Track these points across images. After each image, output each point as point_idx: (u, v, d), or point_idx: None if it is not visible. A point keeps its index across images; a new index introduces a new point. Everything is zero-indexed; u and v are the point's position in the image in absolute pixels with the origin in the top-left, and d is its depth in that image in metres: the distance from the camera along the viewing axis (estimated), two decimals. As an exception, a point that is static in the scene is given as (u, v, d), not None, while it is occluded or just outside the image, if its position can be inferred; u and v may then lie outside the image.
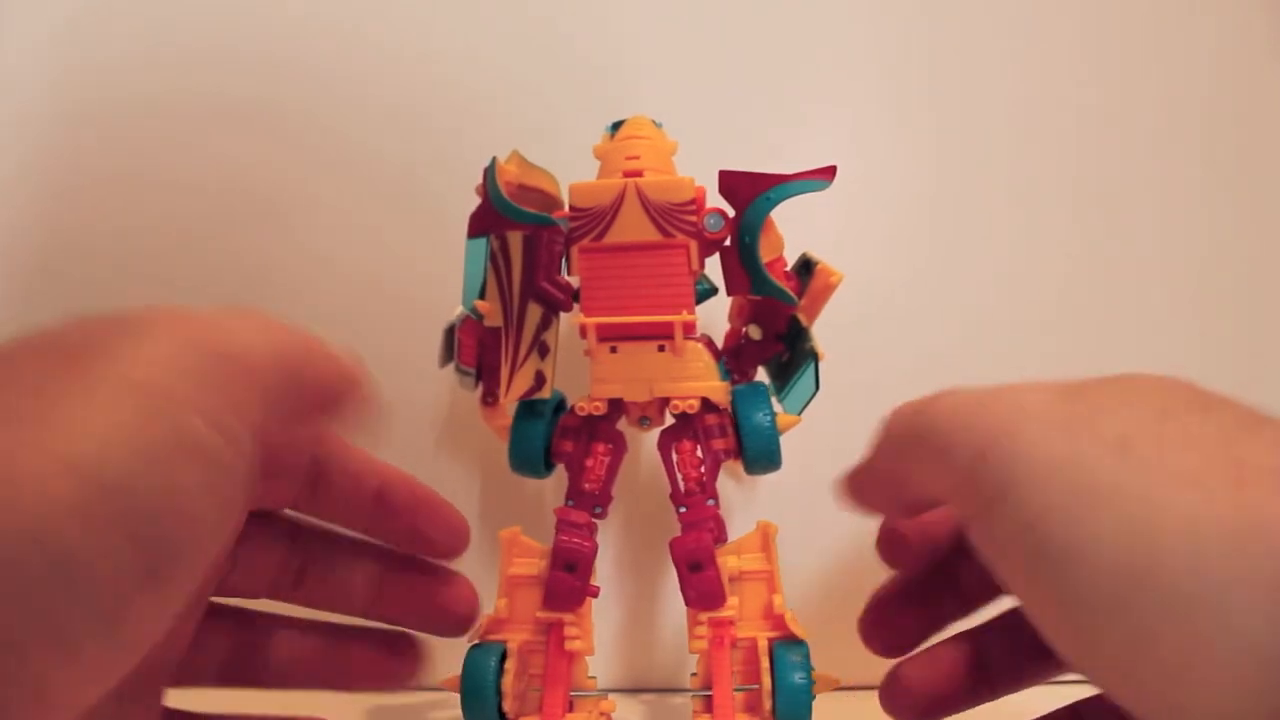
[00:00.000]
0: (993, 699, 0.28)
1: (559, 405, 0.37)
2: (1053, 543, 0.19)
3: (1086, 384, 0.22)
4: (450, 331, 0.38)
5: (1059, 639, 0.20)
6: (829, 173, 0.34)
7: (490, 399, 0.38)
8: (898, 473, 0.27)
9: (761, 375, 0.40)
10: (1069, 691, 0.26)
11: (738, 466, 0.36)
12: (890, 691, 0.29)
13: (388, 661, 0.29)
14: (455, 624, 0.30)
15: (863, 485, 0.29)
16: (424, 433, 0.47)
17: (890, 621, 0.30)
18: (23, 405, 0.17)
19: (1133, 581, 0.18)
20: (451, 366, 0.38)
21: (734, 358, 0.38)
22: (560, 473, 0.37)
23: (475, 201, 0.37)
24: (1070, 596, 0.19)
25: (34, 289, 0.47)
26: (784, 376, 0.38)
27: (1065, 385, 0.22)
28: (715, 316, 0.39)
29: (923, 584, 0.30)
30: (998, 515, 0.21)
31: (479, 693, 0.31)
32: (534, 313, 0.35)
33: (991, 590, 0.28)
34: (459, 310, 0.37)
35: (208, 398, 0.19)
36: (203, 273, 0.47)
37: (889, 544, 0.30)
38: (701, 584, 0.33)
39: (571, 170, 0.40)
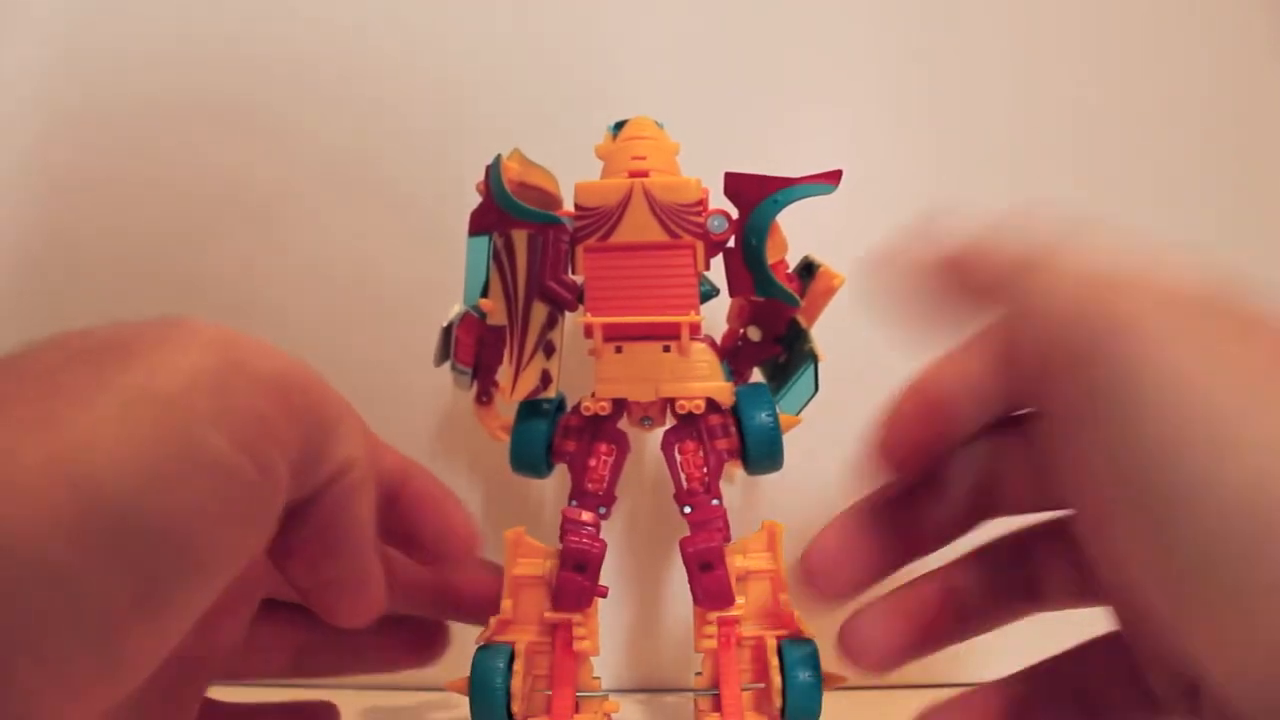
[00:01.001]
0: (962, 640, 0.27)
1: (559, 405, 0.37)
2: (1181, 471, 0.17)
3: (1224, 300, 0.21)
4: (448, 330, 0.38)
5: (1143, 571, 0.18)
6: (835, 177, 0.34)
7: (485, 398, 0.38)
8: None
9: (756, 376, 0.40)
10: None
11: (734, 467, 0.36)
12: (853, 640, 0.26)
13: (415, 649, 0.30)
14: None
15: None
16: (418, 434, 0.46)
17: (851, 551, 0.27)
18: (33, 408, 0.16)
19: (1259, 534, 0.16)
20: (447, 365, 0.38)
21: (731, 358, 0.38)
22: (559, 473, 0.37)
23: (464, 200, 0.37)
24: (1182, 535, 0.17)
25: (23, 290, 0.46)
26: (780, 378, 0.38)
27: (1203, 293, 0.21)
28: (714, 318, 0.39)
29: (892, 508, 0.27)
30: (1111, 421, 0.19)
31: (488, 694, 0.31)
32: (539, 311, 0.35)
33: (964, 522, 0.26)
34: (457, 308, 0.37)
35: (236, 416, 0.18)
36: (192, 273, 0.46)
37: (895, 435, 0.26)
38: (711, 584, 0.33)
39: (566, 171, 0.40)
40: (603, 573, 0.39)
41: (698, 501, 0.34)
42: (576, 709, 0.33)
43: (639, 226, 0.34)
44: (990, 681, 0.27)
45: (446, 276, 0.40)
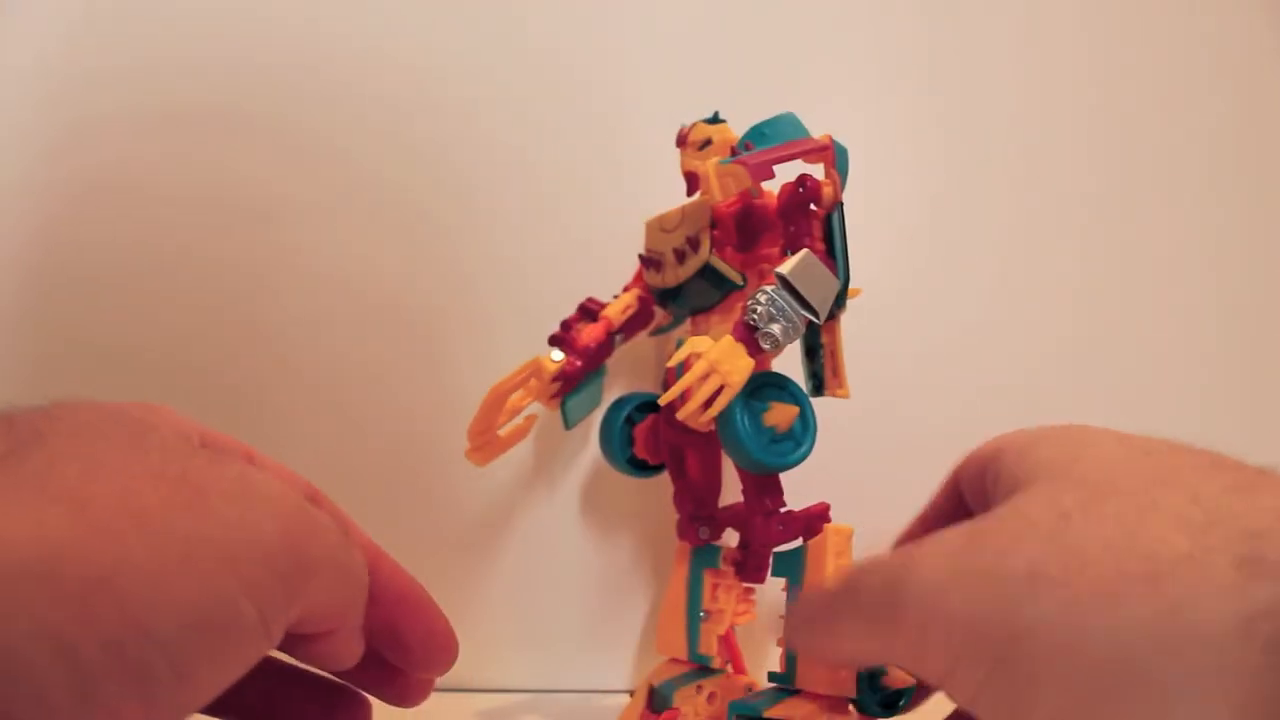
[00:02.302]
0: None
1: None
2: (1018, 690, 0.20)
3: (983, 524, 0.22)
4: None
5: None
6: None
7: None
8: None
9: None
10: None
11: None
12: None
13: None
14: None
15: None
16: (412, 434, 0.45)
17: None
18: (106, 516, 0.18)
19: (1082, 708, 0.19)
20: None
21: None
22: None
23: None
24: None
25: (30, 295, 0.44)
26: None
27: (965, 539, 0.22)
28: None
29: None
30: (960, 682, 0.21)
31: None
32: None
33: None
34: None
35: (276, 596, 0.20)
36: (195, 280, 0.45)
37: None
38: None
39: (566, 176, 0.44)
40: (609, 577, 0.45)
41: None
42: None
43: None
44: None
45: (444, 280, 0.44)
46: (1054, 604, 0.19)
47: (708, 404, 0.30)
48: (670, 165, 0.39)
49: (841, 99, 0.47)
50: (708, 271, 0.35)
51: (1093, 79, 0.48)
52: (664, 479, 0.39)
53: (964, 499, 0.30)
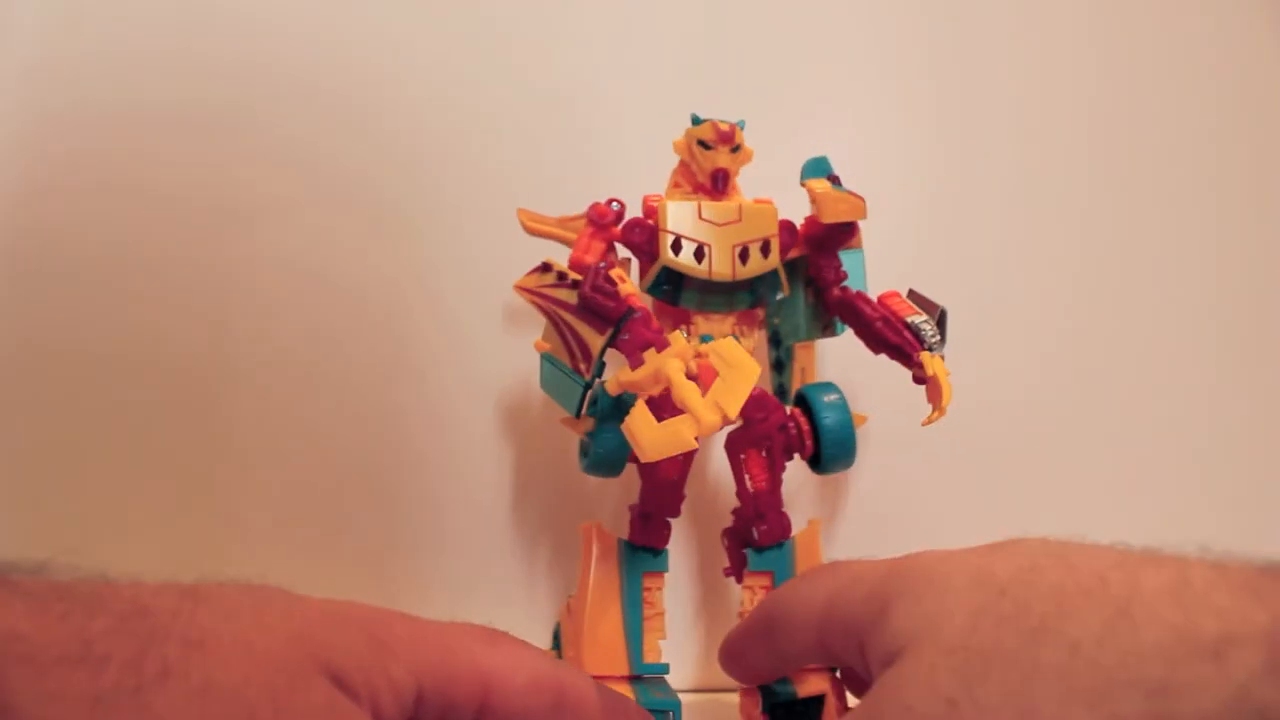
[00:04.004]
0: None
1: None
2: None
3: None
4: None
5: None
6: None
7: None
8: None
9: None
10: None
11: None
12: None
13: None
14: None
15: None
16: (399, 434, 0.45)
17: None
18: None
19: None
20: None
21: None
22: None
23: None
24: None
25: (2, 295, 0.44)
26: None
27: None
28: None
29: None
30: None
31: None
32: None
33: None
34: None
35: None
36: (168, 277, 0.44)
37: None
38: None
39: (535, 171, 0.44)
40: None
41: None
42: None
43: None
44: None
45: (420, 279, 0.45)
46: None
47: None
48: (645, 163, 0.38)
49: (840, 98, 0.46)
50: (769, 278, 0.37)
51: (1092, 79, 0.48)
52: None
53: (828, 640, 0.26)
